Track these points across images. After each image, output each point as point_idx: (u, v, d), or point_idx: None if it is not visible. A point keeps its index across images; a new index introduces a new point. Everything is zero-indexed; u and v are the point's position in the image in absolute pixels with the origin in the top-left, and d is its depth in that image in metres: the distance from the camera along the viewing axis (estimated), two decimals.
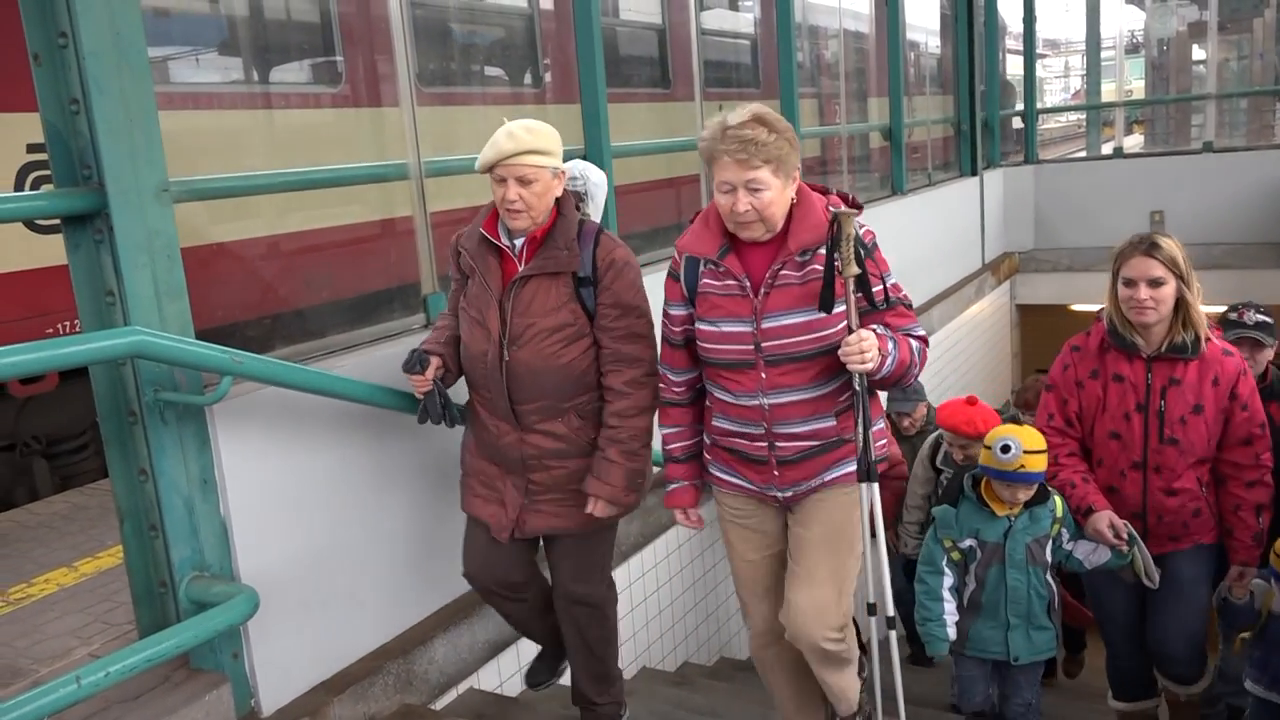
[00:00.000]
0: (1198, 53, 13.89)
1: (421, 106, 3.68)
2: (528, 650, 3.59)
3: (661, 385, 2.75)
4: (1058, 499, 3.29)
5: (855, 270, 2.43)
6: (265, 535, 2.69)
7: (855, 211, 2.49)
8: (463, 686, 3.31)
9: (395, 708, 3.00)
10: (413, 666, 3.09)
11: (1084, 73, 15.86)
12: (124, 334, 2.25)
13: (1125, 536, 3.12)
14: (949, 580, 3.38)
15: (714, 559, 4.76)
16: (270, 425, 2.71)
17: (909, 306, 2.63)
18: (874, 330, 2.48)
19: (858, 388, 2.51)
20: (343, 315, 4.36)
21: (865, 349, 2.41)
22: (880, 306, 2.53)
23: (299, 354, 3.00)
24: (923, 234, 8.18)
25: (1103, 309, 3.24)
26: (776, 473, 2.63)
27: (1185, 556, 3.27)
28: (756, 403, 2.55)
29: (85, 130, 2.29)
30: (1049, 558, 3.30)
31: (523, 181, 2.59)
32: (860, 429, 2.54)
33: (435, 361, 2.77)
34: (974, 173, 9.71)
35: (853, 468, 2.61)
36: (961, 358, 8.90)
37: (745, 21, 8.89)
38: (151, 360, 2.35)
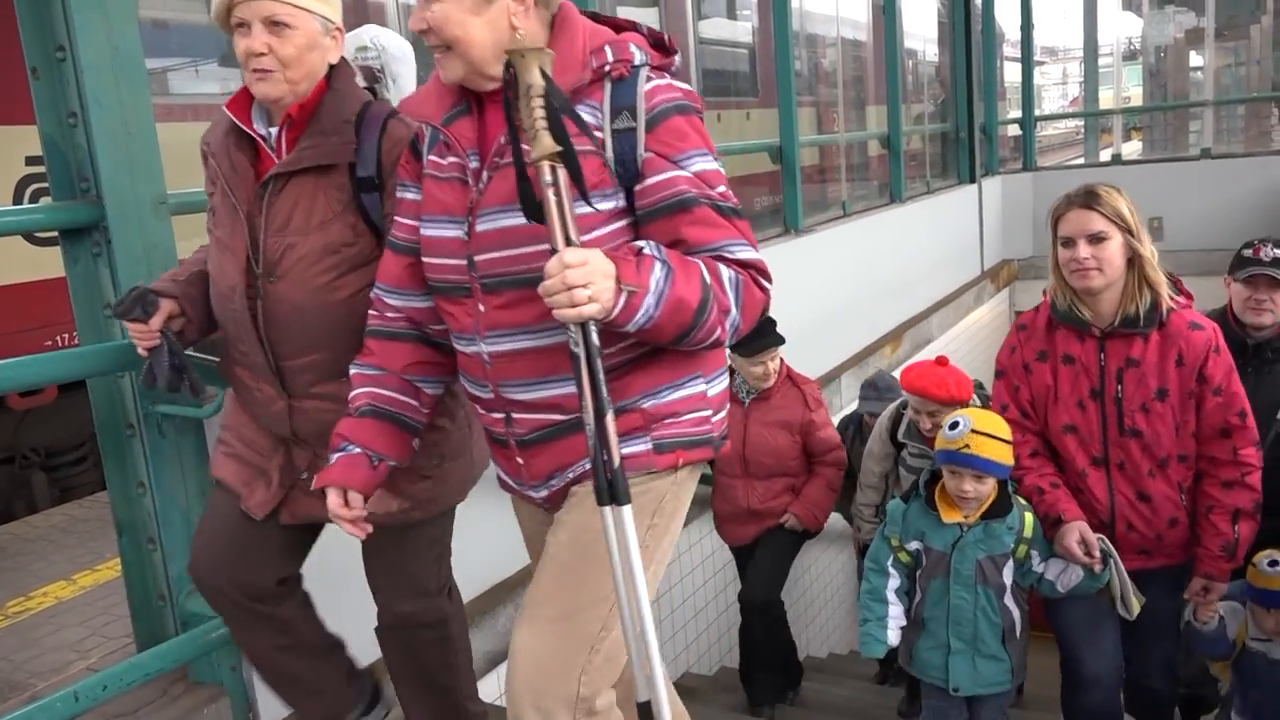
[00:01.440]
0: (1195, 59, 13.93)
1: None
2: None
3: (371, 311, 1.90)
4: (1028, 516, 2.78)
5: (549, 147, 1.48)
6: None
7: (544, 50, 1.54)
8: None
9: None
10: None
11: (1082, 80, 15.90)
12: (123, 347, 2.25)
13: (1098, 554, 2.63)
14: (895, 581, 2.95)
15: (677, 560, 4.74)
16: None
17: (730, 212, 1.66)
18: (624, 249, 1.57)
19: (575, 348, 1.52)
20: None
21: (574, 281, 1.45)
22: (655, 210, 1.62)
23: None
24: (921, 242, 8.18)
25: (1049, 284, 2.78)
26: (519, 460, 1.81)
27: (1158, 580, 2.76)
28: (476, 349, 1.74)
29: (83, 143, 2.29)
30: (1007, 580, 2.80)
31: (272, 26, 1.89)
32: (588, 414, 1.53)
33: (166, 306, 2.00)
34: (973, 180, 9.73)
35: (629, 457, 1.67)
36: (960, 365, 8.87)
37: (743, 30, 8.92)
38: None
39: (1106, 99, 14.36)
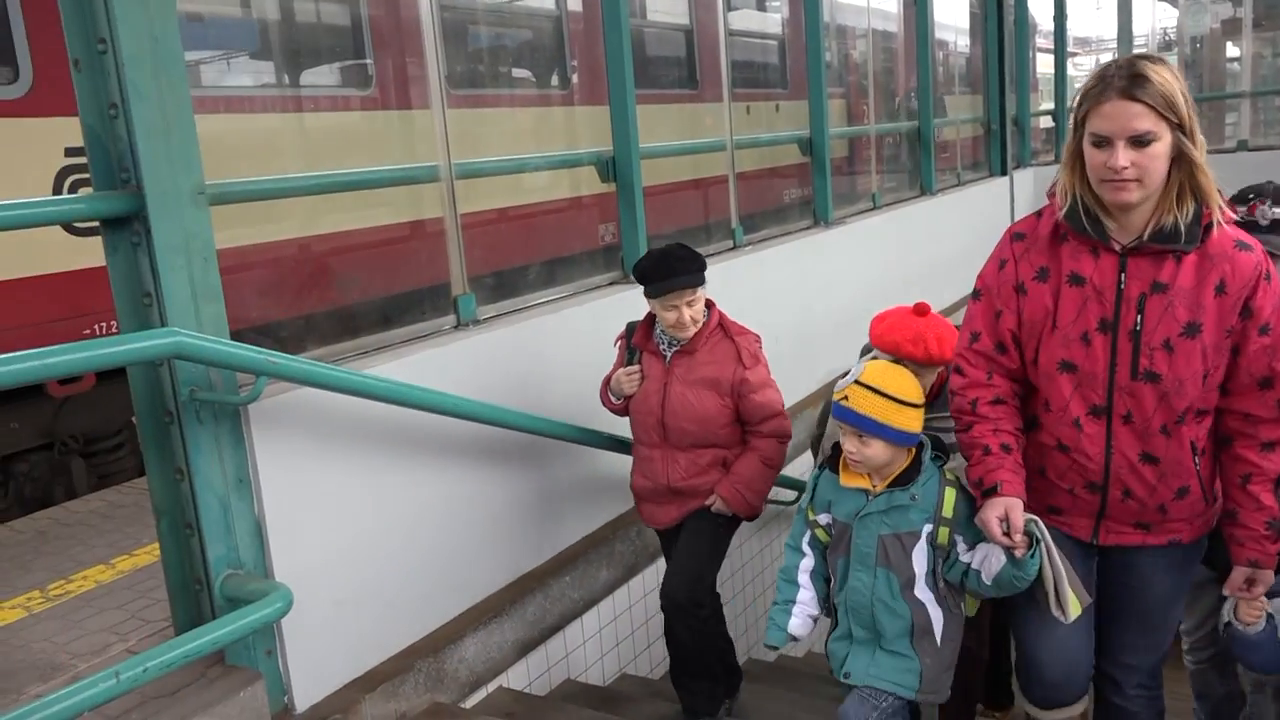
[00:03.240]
0: (1232, 50, 13.70)
1: (452, 109, 3.71)
2: (556, 649, 3.60)
3: None
4: (950, 493, 2.34)
5: None
6: (299, 534, 2.72)
7: None
8: (492, 685, 3.33)
9: (425, 705, 3.03)
10: (443, 665, 3.11)
11: None
12: (162, 335, 2.28)
13: (1020, 537, 2.15)
14: (809, 561, 2.55)
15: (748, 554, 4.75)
16: (304, 425, 2.74)
17: None
18: None
19: None
20: (374, 316, 4.40)
21: None
22: None
23: (333, 354, 3.03)
24: (952, 234, 8.13)
25: (1056, 181, 2.20)
26: None
27: (1158, 560, 2.29)
28: None
29: (124, 134, 2.32)
30: (919, 568, 2.35)
31: None
32: None
33: None
34: (1004, 172, 9.64)
35: None
36: None
37: (773, 22, 8.88)
38: (189, 361, 2.38)
39: None
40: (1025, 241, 2.24)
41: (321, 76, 5.48)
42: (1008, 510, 2.16)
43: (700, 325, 3.24)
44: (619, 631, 3.97)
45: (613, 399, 3.38)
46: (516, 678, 3.44)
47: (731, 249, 5.18)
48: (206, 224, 2.46)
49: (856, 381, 2.38)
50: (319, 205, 4.56)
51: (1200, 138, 2.04)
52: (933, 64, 8.23)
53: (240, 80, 5.09)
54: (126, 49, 2.27)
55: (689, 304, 3.19)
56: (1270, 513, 2.18)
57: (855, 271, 6.27)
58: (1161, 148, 2.00)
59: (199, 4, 4.63)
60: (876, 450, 2.36)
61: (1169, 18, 15.46)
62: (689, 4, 7.39)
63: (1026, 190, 10.11)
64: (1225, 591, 2.32)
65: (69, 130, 3.52)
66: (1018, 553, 2.17)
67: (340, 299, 4.86)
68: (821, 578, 2.55)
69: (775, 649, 2.56)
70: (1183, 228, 2.05)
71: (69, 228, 4.28)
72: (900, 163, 8.58)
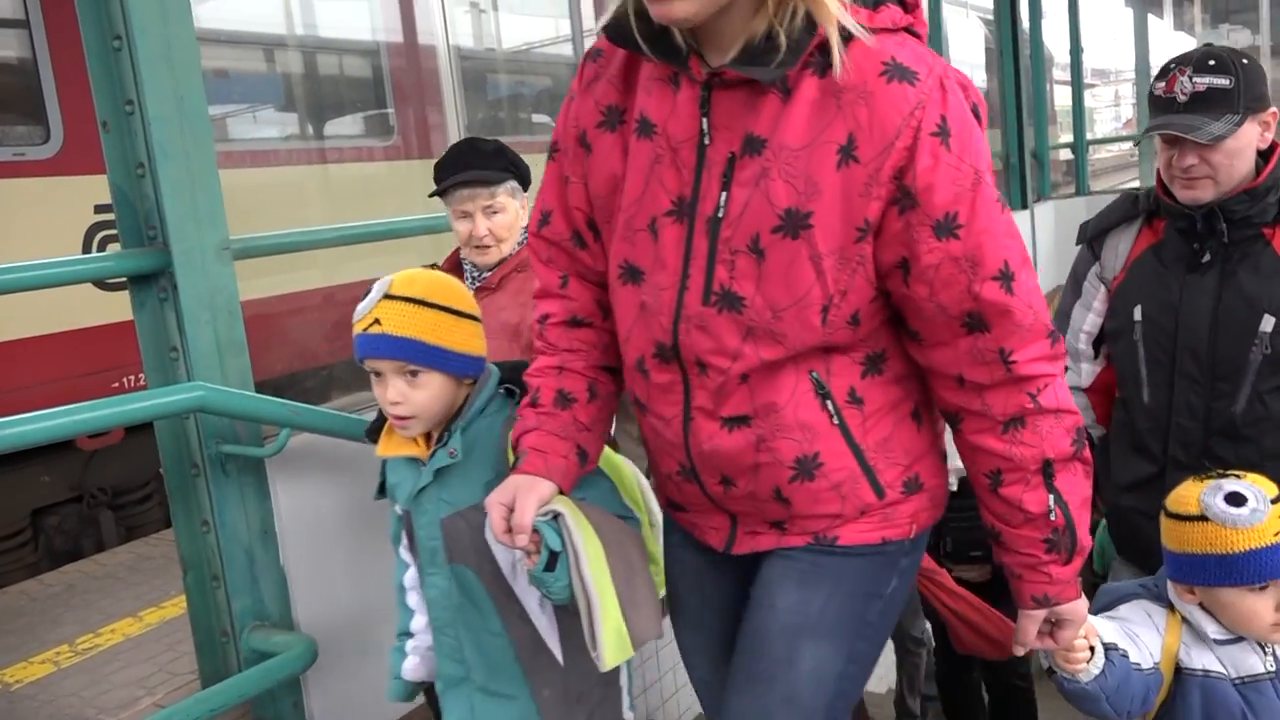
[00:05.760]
0: None
1: None
2: None
3: None
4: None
5: None
6: (321, 584, 2.72)
7: None
8: None
9: None
10: None
11: (1134, 101, 15.67)
12: (187, 389, 2.31)
13: (522, 538, 1.42)
14: (411, 572, 1.83)
15: None
16: (325, 474, 2.75)
17: None
18: None
19: None
20: None
21: None
22: None
23: (355, 404, 3.04)
24: None
25: None
26: None
27: (788, 569, 1.47)
28: None
29: (150, 193, 2.37)
30: (502, 558, 1.66)
31: None
32: None
33: None
34: (1024, 206, 9.62)
35: None
36: None
37: None
38: (215, 414, 2.40)
39: None
40: (600, 62, 1.45)
41: (344, 127, 5.57)
42: (516, 495, 1.43)
43: (507, 251, 2.50)
44: None
45: None
46: None
47: None
48: (231, 279, 2.49)
49: (386, 295, 1.60)
50: (342, 254, 4.62)
51: None
52: None
53: (266, 133, 5.19)
54: (153, 110, 2.32)
55: (486, 212, 2.45)
56: (1045, 523, 1.38)
57: None
58: None
59: (225, 61, 4.73)
60: (434, 391, 1.60)
61: (1187, 47, 15.47)
62: None
63: (1048, 223, 10.07)
64: (1017, 650, 1.53)
65: (98, 188, 3.59)
66: (525, 560, 1.46)
67: None
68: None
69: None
70: (784, 42, 1.21)
71: (98, 284, 4.36)
72: None
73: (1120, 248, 2.17)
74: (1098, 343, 2.26)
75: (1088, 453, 1.41)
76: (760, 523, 1.49)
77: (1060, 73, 13.06)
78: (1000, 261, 1.29)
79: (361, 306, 1.63)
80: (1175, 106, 1.94)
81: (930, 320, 1.34)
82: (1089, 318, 2.24)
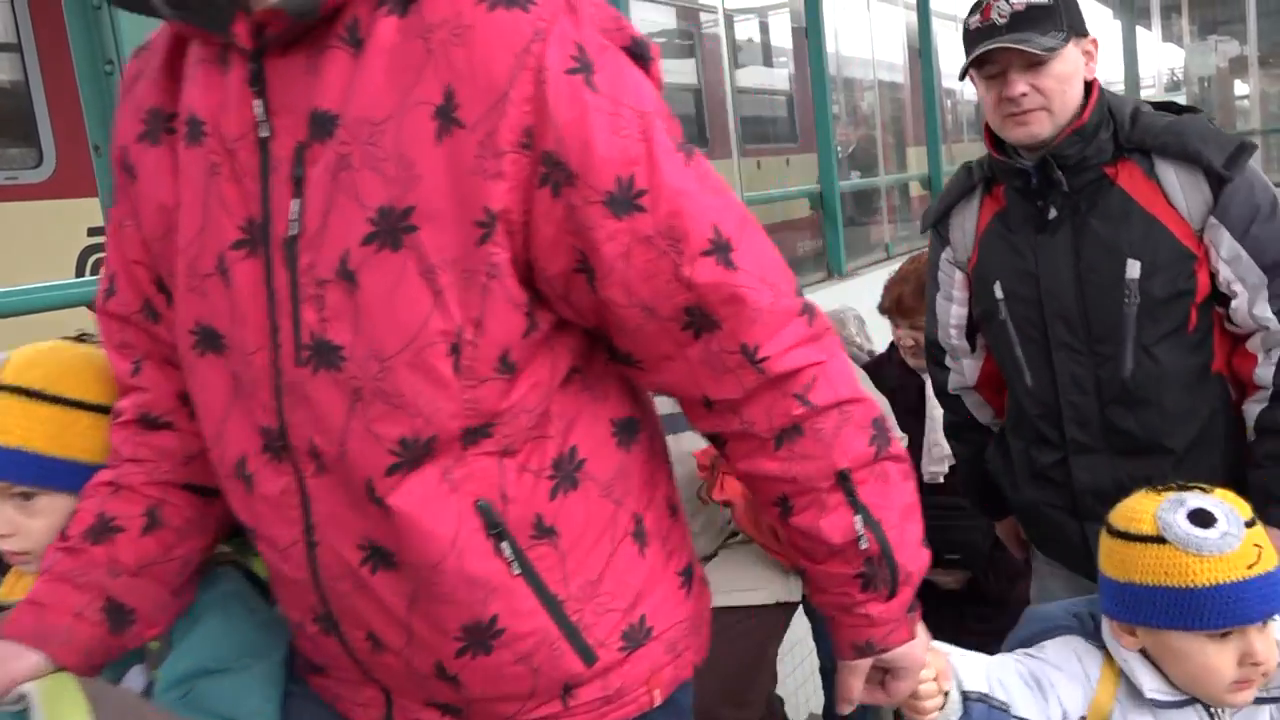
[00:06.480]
0: (1240, 88, 13.78)
1: None
2: None
3: None
4: None
5: None
6: None
7: None
8: None
9: None
10: None
11: None
12: None
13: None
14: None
15: None
16: None
17: None
18: None
19: None
20: None
21: None
22: None
23: None
24: None
25: None
26: None
27: None
28: None
29: None
30: None
31: None
32: None
33: None
34: None
35: None
36: None
37: (780, 77, 9.00)
38: None
39: None
40: (144, 57, 1.11)
41: None
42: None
43: None
44: None
45: None
46: None
47: None
48: None
49: None
50: None
51: None
52: (941, 113, 8.30)
53: None
54: None
55: None
56: (854, 553, 1.06)
57: (870, 322, 6.27)
58: None
59: None
60: (57, 519, 1.13)
61: (1175, 59, 15.59)
62: (696, 66, 7.51)
63: None
64: (844, 708, 1.19)
65: (91, 211, 3.60)
66: None
67: None
68: None
69: None
70: None
71: (93, 307, 4.35)
72: (911, 211, 8.62)
73: (966, 225, 1.97)
74: (973, 335, 2.03)
75: (897, 447, 1.08)
76: (424, 707, 1.06)
77: None
78: (708, 229, 0.95)
79: None
80: (996, 31, 1.74)
81: (639, 332, 0.97)
82: (953, 309, 2.03)
